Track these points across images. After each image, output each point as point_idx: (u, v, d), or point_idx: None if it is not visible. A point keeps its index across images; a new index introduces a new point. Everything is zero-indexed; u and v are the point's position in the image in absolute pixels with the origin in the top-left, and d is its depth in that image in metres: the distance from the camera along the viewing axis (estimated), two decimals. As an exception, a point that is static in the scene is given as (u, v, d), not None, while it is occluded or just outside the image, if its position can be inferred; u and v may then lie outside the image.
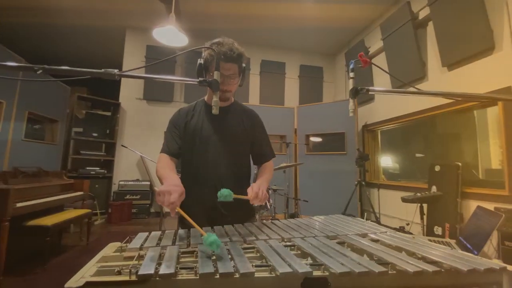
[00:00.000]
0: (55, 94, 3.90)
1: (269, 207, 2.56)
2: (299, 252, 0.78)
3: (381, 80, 4.24)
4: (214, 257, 0.66)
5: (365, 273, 0.60)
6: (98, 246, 0.82)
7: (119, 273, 0.62)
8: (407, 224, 3.24)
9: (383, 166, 4.56)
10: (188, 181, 1.16)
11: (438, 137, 3.72)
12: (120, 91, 5.01)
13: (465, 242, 1.38)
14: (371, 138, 4.65)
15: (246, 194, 1.20)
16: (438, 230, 2.86)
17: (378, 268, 0.61)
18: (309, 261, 0.71)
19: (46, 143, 3.81)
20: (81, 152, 4.62)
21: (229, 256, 0.68)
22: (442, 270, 0.64)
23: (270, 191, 2.82)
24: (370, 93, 0.91)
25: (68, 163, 4.55)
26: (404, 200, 1.78)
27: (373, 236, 0.93)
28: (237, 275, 0.58)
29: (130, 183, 4.68)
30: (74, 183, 3.31)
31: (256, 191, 1.02)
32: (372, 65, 3.57)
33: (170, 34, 3.20)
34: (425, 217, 2.15)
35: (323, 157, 4.52)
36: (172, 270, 0.57)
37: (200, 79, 0.83)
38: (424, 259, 0.71)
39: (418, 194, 1.78)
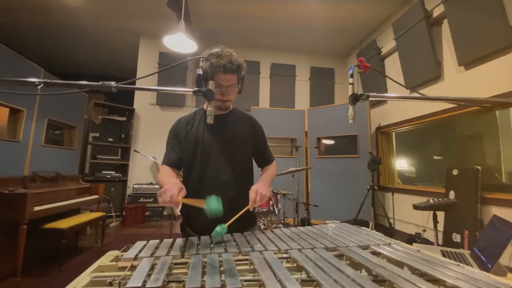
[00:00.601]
0: (73, 101, 4.07)
1: (277, 212, 2.54)
2: (295, 265, 0.76)
3: (394, 79, 4.11)
4: (205, 270, 0.66)
5: (359, 292, 0.57)
6: (112, 248, 0.85)
7: (110, 284, 0.63)
8: (424, 231, 3.10)
9: (398, 170, 4.41)
10: (191, 189, 1.18)
11: (457, 139, 3.55)
12: (135, 97, 5.17)
13: (479, 254, 1.30)
14: (385, 140, 4.52)
15: (247, 198, 1.18)
16: (456, 237, 2.72)
17: (373, 287, 0.58)
18: (304, 275, 0.69)
19: (65, 148, 3.97)
20: (97, 156, 4.80)
21: (221, 269, 0.67)
22: (443, 289, 0.60)
23: (278, 196, 2.80)
24: (370, 99, 0.88)
25: (85, 167, 4.73)
26: (416, 207, 1.70)
27: (375, 248, 0.89)
28: (224, 291, 0.57)
29: (144, 186, 4.80)
30: (90, 187, 3.43)
31: (253, 197, 1.06)
32: (385, 66, 3.50)
33: (180, 41, 3.26)
34: (439, 224, 2.05)
35: (335, 160, 4.43)
36: (159, 284, 0.57)
37: (195, 89, 0.83)
38: (426, 276, 0.67)
39: (431, 201, 1.69)
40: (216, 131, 1.21)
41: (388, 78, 4.22)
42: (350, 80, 0.91)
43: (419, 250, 0.88)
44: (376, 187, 3.19)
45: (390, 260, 0.81)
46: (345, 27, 4.65)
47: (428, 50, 3.33)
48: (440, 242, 2.89)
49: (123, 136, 5.13)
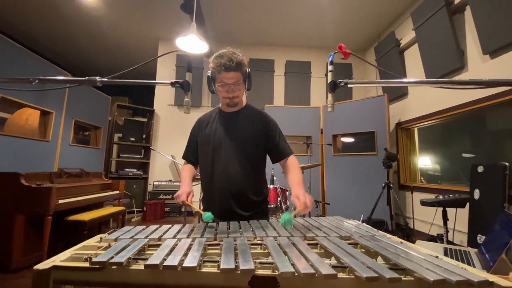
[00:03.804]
0: (97, 104, 4.36)
1: (284, 209, 2.52)
2: (266, 251, 0.77)
3: (416, 72, 3.90)
4: (168, 250, 0.69)
5: (311, 275, 0.57)
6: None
7: (86, 260, 0.68)
8: (447, 232, 2.91)
9: (421, 168, 4.16)
10: (205, 181, 1.31)
11: (488, 134, 3.26)
12: (154, 99, 5.41)
13: (484, 252, 1.19)
14: (405, 137, 4.29)
15: (257, 191, 1.30)
16: (481, 239, 2.51)
17: (327, 270, 0.57)
18: (269, 259, 0.70)
19: (91, 147, 4.27)
20: (121, 155, 5.09)
21: (186, 251, 0.70)
22: (405, 278, 0.58)
23: (287, 193, 2.78)
24: (349, 86, 0.86)
25: (111, 166, 5.05)
26: (423, 203, 1.60)
27: (357, 239, 0.87)
28: (179, 269, 0.59)
29: (163, 183, 5.00)
30: (112, 183, 3.64)
31: (304, 201, 1.01)
32: (405, 59, 3.35)
33: (192, 42, 3.35)
34: (464, 225, 1.90)
35: (352, 158, 4.30)
36: (122, 260, 0.61)
37: (172, 81, 0.87)
38: (396, 266, 0.64)
39: (440, 197, 1.58)
40: (227, 127, 1.30)
41: (415, 68, 4.01)
42: (330, 68, 0.90)
43: (402, 242, 0.84)
44: (391, 185, 3.04)
45: (367, 250, 0.79)
46: (362, 20, 4.50)
47: (450, 39, 3.11)
48: (465, 243, 2.69)
49: (144, 136, 5.40)
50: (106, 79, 0.87)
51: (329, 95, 0.87)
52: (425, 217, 3.53)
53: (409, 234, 2.72)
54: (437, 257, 0.70)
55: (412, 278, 0.59)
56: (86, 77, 0.86)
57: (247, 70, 1.21)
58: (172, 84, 0.86)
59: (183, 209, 5.09)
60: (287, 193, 2.78)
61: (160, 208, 4.77)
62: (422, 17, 3.49)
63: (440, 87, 0.77)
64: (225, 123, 1.31)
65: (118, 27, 4.98)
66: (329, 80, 0.88)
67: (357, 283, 0.58)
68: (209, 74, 1.21)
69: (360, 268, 0.59)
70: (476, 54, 2.88)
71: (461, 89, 3.08)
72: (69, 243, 0.82)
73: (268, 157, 1.37)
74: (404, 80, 0.92)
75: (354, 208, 3.97)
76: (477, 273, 0.60)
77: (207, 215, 1.01)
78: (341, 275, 0.59)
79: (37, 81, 0.86)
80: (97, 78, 0.86)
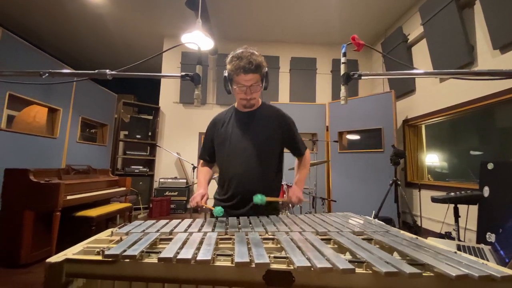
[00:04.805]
0: (104, 101, 4.39)
1: (290, 206, 2.51)
2: (279, 246, 0.75)
3: (424, 68, 3.83)
4: (181, 244, 0.68)
5: (328, 269, 0.55)
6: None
7: (98, 253, 0.68)
8: (454, 230, 2.87)
9: (428, 165, 4.11)
10: (224, 179, 1.32)
11: (497, 130, 3.20)
12: (160, 96, 5.42)
13: (499, 249, 1.17)
14: (412, 134, 4.24)
15: (273, 191, 1.33)
16: (491, 237, 2.47)
17: (345, 265, 0.56)
18: (283, 254, 0.68)
19: (97, 144, 4.30)
20: (127, 152, 5.12)
21: (198, 245, 0.69)
22: (425, 273, 0.56)
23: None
24: (363, 78, 0.84)
25: (117, 163, 5.08)
26: (434, 200, 1.58)
27: (370, 235, 0.85)
28: (193, 262, 0.59)
29: (169, 180, 5.02)
30: (118, 179, 3.67)
31: (290, 195, 1.26)
32: (413, 55, 3.29)
33: (198, 39, 3.34)
34: (473, 223, 1.86)
35: (358, 155, 4.26)
36: (135, 253, 0.60)
37: (182, 73, 0.86)
38: (415, 261, 0.63)
39: (452, 194, 1.55)
40: (243, 127, 1.30)
41: (423, 63, 3.96)
42: (343, 59, 0.88)
43: (417, 238, 0.82)
44: (399, 182, 3.01)
45: (382, 246, 0.77)
46: (368, 15, 4.43)
47: (459, 34, 3.05)
48: (473, 241, 2.65)
49: (150, 133, 5.41)
50: (115, 72, 0.86)
51: (342, 87, 0.85)
52: (432, 215, 3.48)
53: (417, 232, 2.68)
54: (455, 252, 0.68)
55: (432, 274, 0.57)
56: (96, 70, 0.85)
57: (265, 71, 1.20)
58: (183, 76, 0.85)
59: (189, 206, 5.11)
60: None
61: (166, 204, 4.79)
62: (430, 12, 3.43)
63: (457, 78, 0.75)
64: (242, 123, 1.30)
65: (123, 24, 4.98)
66: (342, 72, 0.86)
67: (375, 279, 0.57)
68: (226, 74, 1.20)
69: (378, 263, 0.57)
70: (486, 49, 2.82)
71: (470, 86, 3.03)
72: (77, 239, 0.81)
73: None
74: (417, 71, 0.89)
75: (361, 206, 3.94)
76: (499, 268, 0.58)
77: (218, 209, 1.01)
78: (358, 270, 0.58)
79: (47, 74, 0.85)
80: (107, 71, 0.85)
